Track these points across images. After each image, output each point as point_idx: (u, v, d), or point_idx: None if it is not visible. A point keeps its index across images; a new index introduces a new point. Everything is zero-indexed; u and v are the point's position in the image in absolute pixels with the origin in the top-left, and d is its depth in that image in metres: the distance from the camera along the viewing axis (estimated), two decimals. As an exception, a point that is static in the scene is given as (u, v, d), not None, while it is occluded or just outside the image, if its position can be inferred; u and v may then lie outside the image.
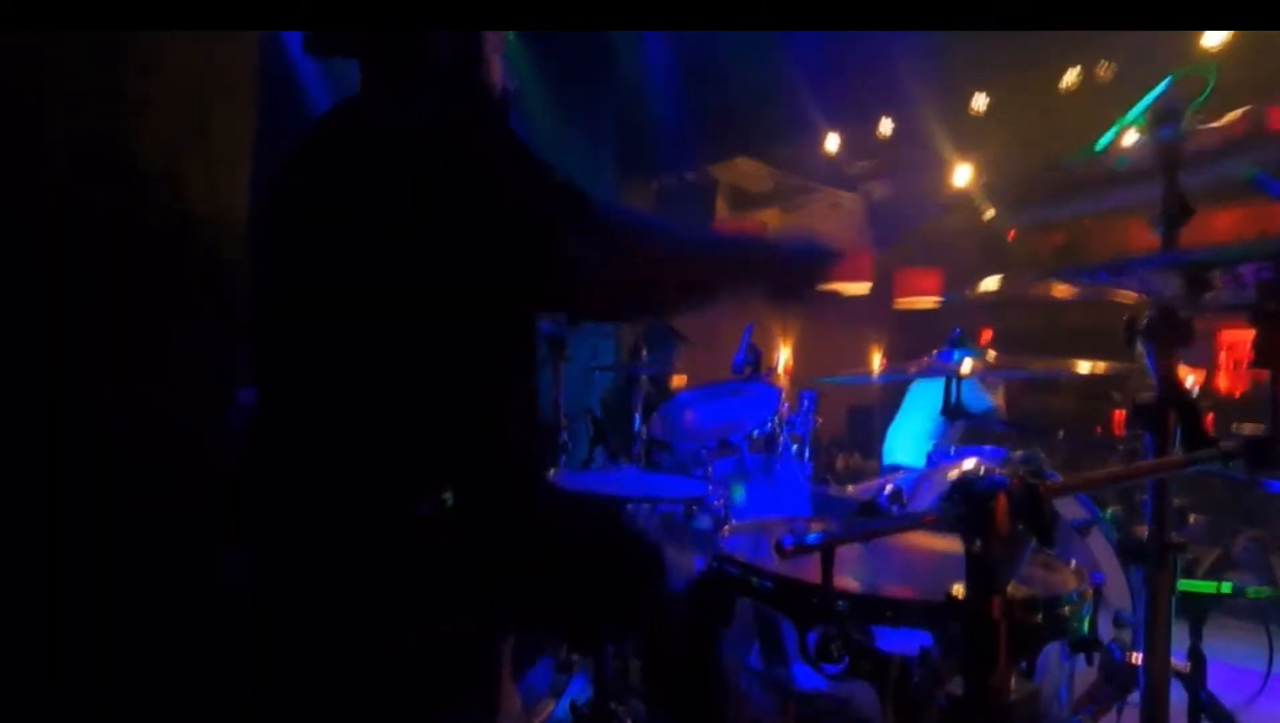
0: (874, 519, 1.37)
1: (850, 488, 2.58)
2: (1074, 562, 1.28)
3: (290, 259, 1.27)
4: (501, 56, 1.42)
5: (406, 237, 1.14)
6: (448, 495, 1.11)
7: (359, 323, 1.17)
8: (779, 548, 0.75)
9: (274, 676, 1.17)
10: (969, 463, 2.29)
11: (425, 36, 1.31)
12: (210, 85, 1.39)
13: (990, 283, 1.59)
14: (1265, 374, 0.91)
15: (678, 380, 3.76)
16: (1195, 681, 1.69)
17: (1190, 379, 1.79)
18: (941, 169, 6.37)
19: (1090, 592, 1.14)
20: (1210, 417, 1.16)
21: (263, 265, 1.31)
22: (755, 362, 2.75)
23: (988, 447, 2.37)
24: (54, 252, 1.22)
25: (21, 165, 1.19)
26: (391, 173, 1.15)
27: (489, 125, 1.21)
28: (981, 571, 0.74)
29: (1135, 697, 1.23)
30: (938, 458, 2.46)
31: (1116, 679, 1.29)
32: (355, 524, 1.15)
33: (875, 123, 5.90)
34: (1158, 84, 1.21)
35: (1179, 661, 1.67)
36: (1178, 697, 1.41)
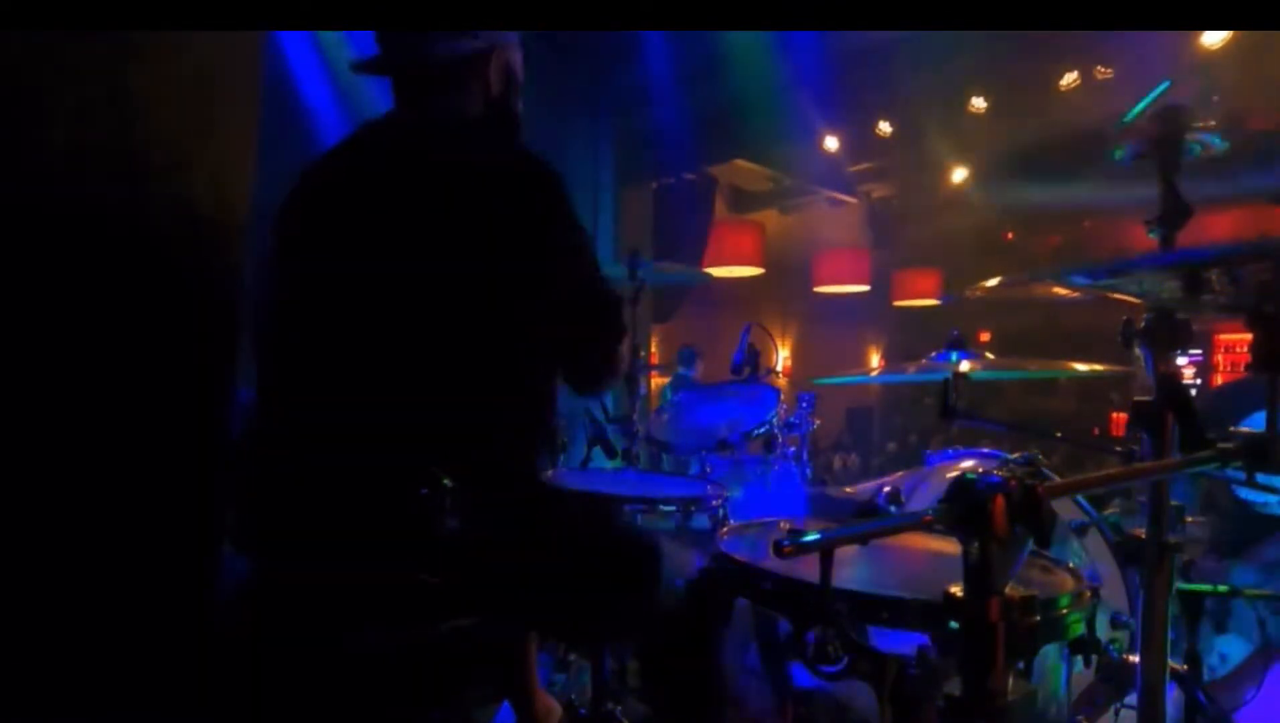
0: (872, 520, 1.37)
1: (849, 489, 2.58)
2: (1071, 562, 1.28)
3: (313, 264, 1.27)
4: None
5: (431, 259, 1.19)
6: (447, 481, 1.12)
7: (367, 330, 1.19)
8: (778, 548, 0.75)
9: (276, 674, 1.17)
10: (967, 463, 2.29)
11: (468, 64, 1.32)
12: (214, 85, 1.40)
13: (989, 283, 1.59)
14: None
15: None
16: (1192, 681, 1.68)
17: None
18: (941, 169, 6.38)
19: (1088, 593, 1.14)
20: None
21: (284, 268, 1.31)
22: (754, 362, 2.75)
23: (985, 448, 2.36)
24: (55, 251, 1.22)
25: (24, 165, 1.19)
26: (429, 198, 1.20)
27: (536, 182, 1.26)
28: (979, 571, 0.74)
29: (1132, 698, 1.23)
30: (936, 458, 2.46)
31: (1114, 680, 1.29)
32: (357, 518, 1.15)
33: (874, 124, 5.90)
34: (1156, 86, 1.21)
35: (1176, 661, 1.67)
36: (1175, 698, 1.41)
